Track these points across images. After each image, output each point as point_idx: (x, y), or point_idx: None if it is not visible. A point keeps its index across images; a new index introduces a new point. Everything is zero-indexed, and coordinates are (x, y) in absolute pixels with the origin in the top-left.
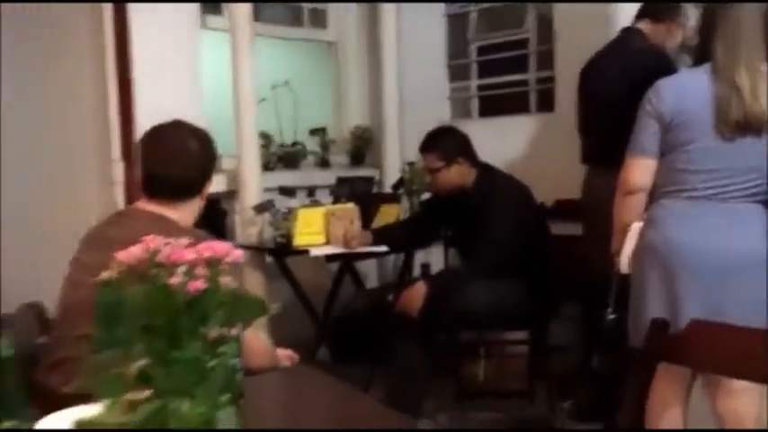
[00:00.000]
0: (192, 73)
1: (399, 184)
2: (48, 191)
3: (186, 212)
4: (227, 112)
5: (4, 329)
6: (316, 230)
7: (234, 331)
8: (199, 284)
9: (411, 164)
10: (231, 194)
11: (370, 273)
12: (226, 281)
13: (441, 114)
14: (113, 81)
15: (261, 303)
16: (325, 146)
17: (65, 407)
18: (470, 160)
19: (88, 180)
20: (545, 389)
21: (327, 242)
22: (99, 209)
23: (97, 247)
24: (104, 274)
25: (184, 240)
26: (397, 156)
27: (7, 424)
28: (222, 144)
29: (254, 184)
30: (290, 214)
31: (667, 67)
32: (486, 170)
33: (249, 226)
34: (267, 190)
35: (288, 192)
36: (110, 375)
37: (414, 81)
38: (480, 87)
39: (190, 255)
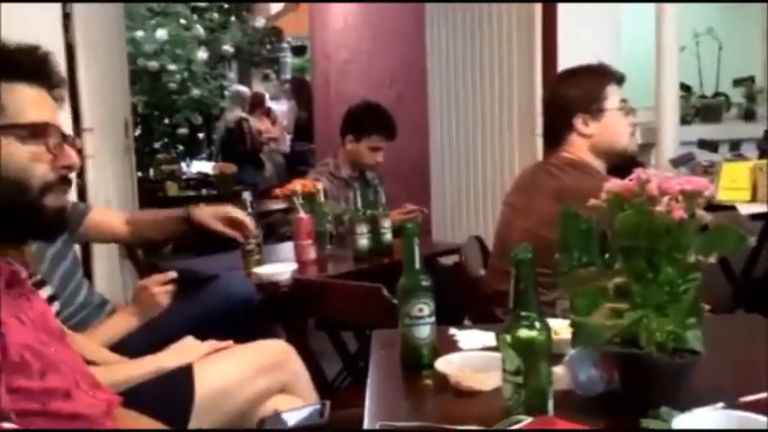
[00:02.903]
0: (613, 23)
1: None
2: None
3: (575, 151)
4: (647, 62)
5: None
6: (740, 186)
7: (711, 259)
8: (681, 213)
9: None
10: (647, 147)
11: None
12: (701, 212)
13: None
14: (539, 38)
15: (739, 235)
16: (751, 96)
17: None
18: None
19: (513, 133)
20: None
21: (753, 199)
22: (521, 157)
23: (525, 192)
24: (592, 201)
25: (667, 173)
26: None
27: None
28: (639, 96)
29: (672, 137)
30: (710, 168)
31: None
32: None
33: None
34: (683, 144)
35: (708, 145)
36: (590, 288)
37: None
38: None
39: (675, 186)
